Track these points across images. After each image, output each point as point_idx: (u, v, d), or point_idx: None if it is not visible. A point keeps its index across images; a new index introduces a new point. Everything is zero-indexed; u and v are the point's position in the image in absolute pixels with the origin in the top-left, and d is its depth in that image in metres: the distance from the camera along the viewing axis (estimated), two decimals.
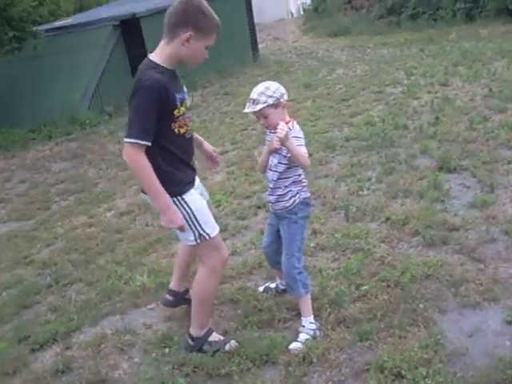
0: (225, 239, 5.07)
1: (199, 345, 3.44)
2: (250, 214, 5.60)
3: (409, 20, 21.27)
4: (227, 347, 3.41)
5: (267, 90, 3.26)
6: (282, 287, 3.93)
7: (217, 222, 3.35)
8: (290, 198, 3.40)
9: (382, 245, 4.44)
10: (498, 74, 10.16)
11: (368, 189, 5.70)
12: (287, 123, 3.30)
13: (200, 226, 3.19)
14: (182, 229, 3.14)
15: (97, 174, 8.44)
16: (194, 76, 13.59)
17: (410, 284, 3.74)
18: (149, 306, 4.20)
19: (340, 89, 11.50)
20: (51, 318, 4.30)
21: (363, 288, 3.79)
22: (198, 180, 3.44)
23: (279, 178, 3.40)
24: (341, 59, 15.96)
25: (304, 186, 3.48)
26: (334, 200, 5.50)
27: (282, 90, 3.32)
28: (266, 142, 3.50)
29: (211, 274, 3.34)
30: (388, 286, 3.77)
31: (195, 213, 3.17)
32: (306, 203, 3.49)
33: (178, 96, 3.07)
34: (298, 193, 3.41)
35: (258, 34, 19.45)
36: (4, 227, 6.85)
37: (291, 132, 3.27)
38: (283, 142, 3.17)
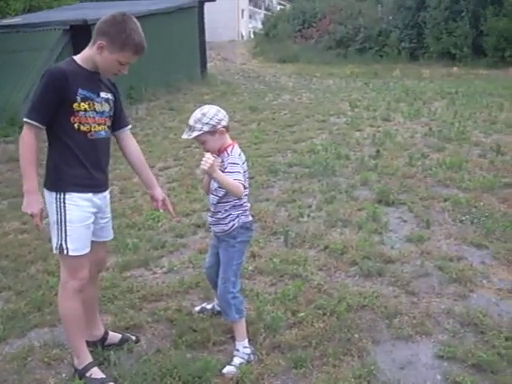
0: (162, 256, 5.02)
1: (79, 375, 3.26)
2: (189, 233, 5.55)
3: (356, 54, 22.07)
4: None
5: (203, 117, 3.19)
6: (219, 309, 3.89)
7: None
8: (230, 222, 3.36)
9: (320, 273, 4.48)
10: (437, 114, 10.58)
11: (308, 216, 5.77)
12: (227, 148, 3.27)
13: (65, 237, 3.05)
14: (35, 219, 3.01)
15: None
16: (141, 88, 13.50)
17: (345, 313, 3.78)
18: None
19: (285, 114, 11.67)
20: None
21: (299, 315, 3.80)
22: (103, 201, 3.26)
23: (219, 202, 3.36)
24: (287, 85, 16.22)
25: (245, 211, 3.43)
26: (273, 224, 5.54)
27: (221, 115, 3.23)
28: None
29: (62, 289, 3.19)
30: (324, 314, 3.79)
31: (67, 223, 3.04)
32: (246, 228, 3.44)
33: (81, 91, 3.02)
34: (237, 216, 3.37)
35: (208, 53, 19.55)
36: None
37: (228, 158, 3.23)
38: (209, 174, 3.13)
